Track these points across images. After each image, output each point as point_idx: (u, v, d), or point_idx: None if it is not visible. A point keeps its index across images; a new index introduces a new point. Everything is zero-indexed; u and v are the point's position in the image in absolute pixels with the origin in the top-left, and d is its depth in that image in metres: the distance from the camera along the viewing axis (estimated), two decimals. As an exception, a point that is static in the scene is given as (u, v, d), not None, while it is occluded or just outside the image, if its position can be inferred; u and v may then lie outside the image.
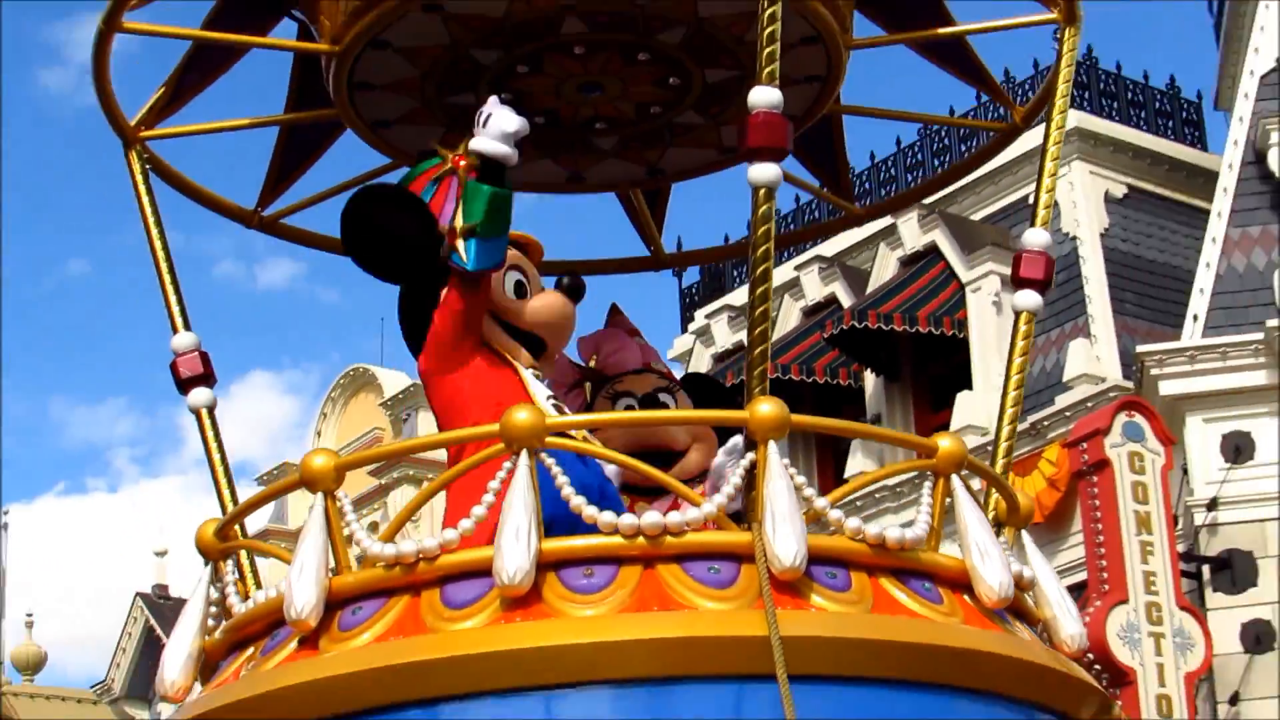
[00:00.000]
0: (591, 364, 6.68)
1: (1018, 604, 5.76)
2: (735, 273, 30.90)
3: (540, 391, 5.93)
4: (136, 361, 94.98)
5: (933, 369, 27.84)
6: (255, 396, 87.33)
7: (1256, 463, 23.37)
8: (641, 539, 5.21)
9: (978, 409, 24.89)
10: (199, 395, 6.74)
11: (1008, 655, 5.46)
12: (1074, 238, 27.69)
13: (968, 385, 26.11)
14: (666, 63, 6.87)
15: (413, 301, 6.14)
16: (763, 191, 5.50)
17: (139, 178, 6.90)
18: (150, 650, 35.69)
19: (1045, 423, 25.01)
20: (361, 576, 5.40)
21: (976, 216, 28.49)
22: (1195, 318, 24.41)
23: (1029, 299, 6.66)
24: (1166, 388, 23.80)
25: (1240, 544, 22.78)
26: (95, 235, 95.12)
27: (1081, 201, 27.73)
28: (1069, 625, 5.90)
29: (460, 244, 5.66)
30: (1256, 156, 24.96)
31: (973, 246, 27.53)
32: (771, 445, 5.32)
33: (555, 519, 5.26)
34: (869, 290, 27.58)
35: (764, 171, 5.51)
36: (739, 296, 29.73)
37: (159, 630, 35.17)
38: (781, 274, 29.44)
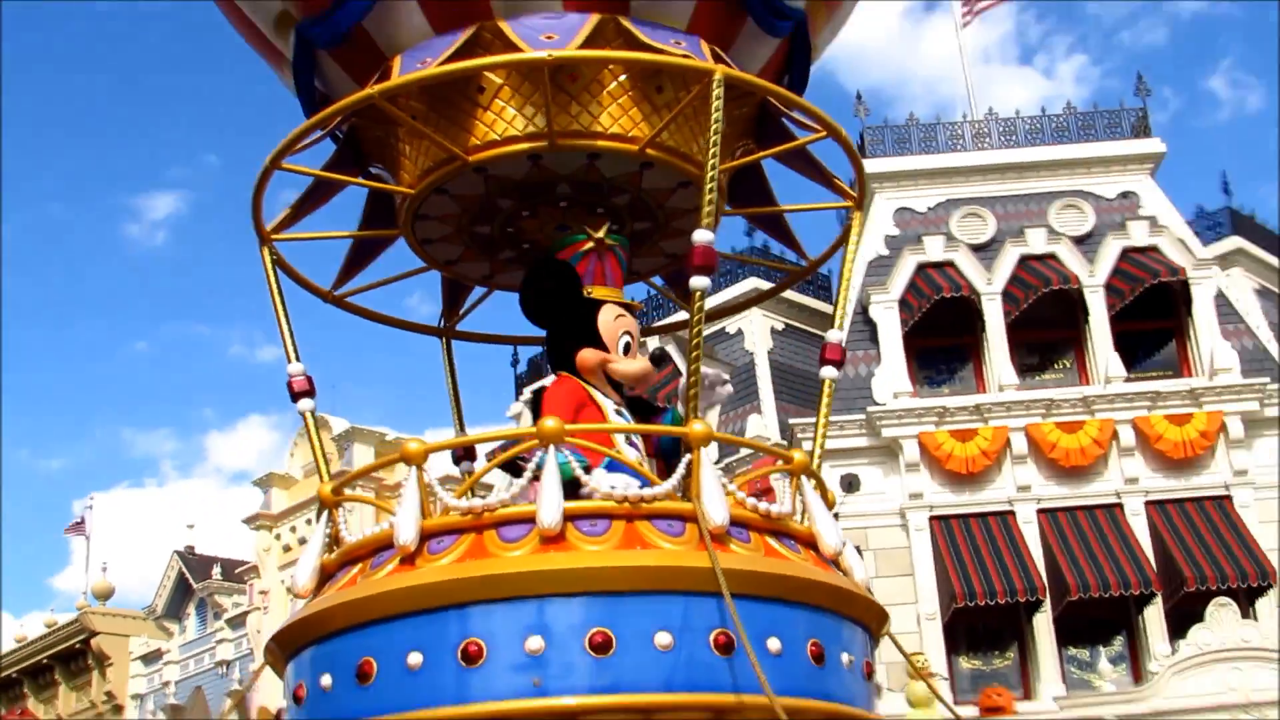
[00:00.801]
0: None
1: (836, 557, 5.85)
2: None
3: (609, 408, 5.92)
4: (179, 405, 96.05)
5: (666, 433, 27.89)
6: (252, 431, 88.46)
7: (860, 494, 24.00)
8: (627, 504, 5.22)
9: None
10: (305, 403, 6.51)
11: (837, 585, 5.57)
12: (752, 353, 28.24)
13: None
14: (612, 215, 6.70)
15: (556, 336, 6.25)
16: (699, 293, 5.58)
17: (269, 266, 6.66)
18: (181, 587, 34.52)
19: (735, 465, 25.31)
20: (444, 520, 5.33)
21: (693, 336, 28.79)
22: (826, 403, 24.97)
23: (830, 371, 6.76)
24: (806, 446, 24.21)
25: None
26: (153, 326, 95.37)
27: (757, 332, 28.38)
28: (859, 572, 5.99)
29: None
30: (863, 310, 25.70)
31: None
32: (703, 449, 5.38)
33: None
34: (627, 380, 27.56)
35: (701, 281, 5.61)
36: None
37: (187, 575, 34.03)
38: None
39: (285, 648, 5.63)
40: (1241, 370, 23.18)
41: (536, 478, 5.23)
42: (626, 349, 6.10)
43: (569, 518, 5.11)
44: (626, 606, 4.94)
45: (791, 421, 25.33)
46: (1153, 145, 26.25)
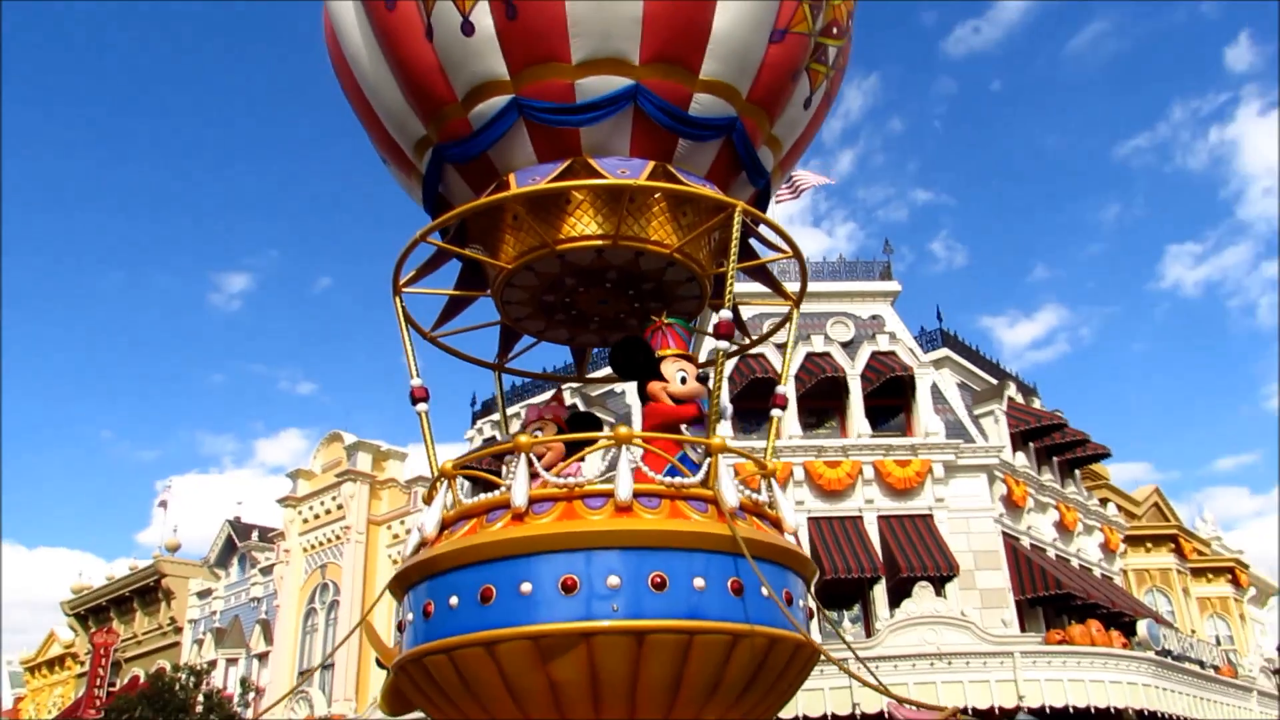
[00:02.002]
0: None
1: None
2: (494, 406, 29.03)
3: (682, 426, 5.67)
4: (239, 418, 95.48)
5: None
6: (289, 439, 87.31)
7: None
8: (672, 488, 5.07)
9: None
10: (422, 405, 6.11)
11: (797, 551, 5.46)
12: (630, 405, 27.74)
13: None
14: (639, 296, 6.58)
15: (643, 382, 5.88)
16: (723, 353, 5.51)
17: (400, 309, 6.34)
18: (229, 545, 32.72)
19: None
20: (545, 490, 5.07)
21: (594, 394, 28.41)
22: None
23: (778, 412, 6.53)
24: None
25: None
26: (226, 364, 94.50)
27: (631, 392, 27.93)
28: (803, 546, 5.89)
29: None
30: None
31: (590, 405, 27.35)
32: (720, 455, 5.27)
33: None
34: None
35: (723, 344, 5.54)
36: (497, 417, 28.16)
37: (234, 537, 32.25)
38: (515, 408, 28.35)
39: (415, 576, 5.25)
40: (945, 434, 23.87)
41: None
42: (683, 380, 5.84)
43: (637, 495, 4.94)
44: (675, 558, 4.80)
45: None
46: (893, 285, 27.07)
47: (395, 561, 27.00)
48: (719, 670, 4.74)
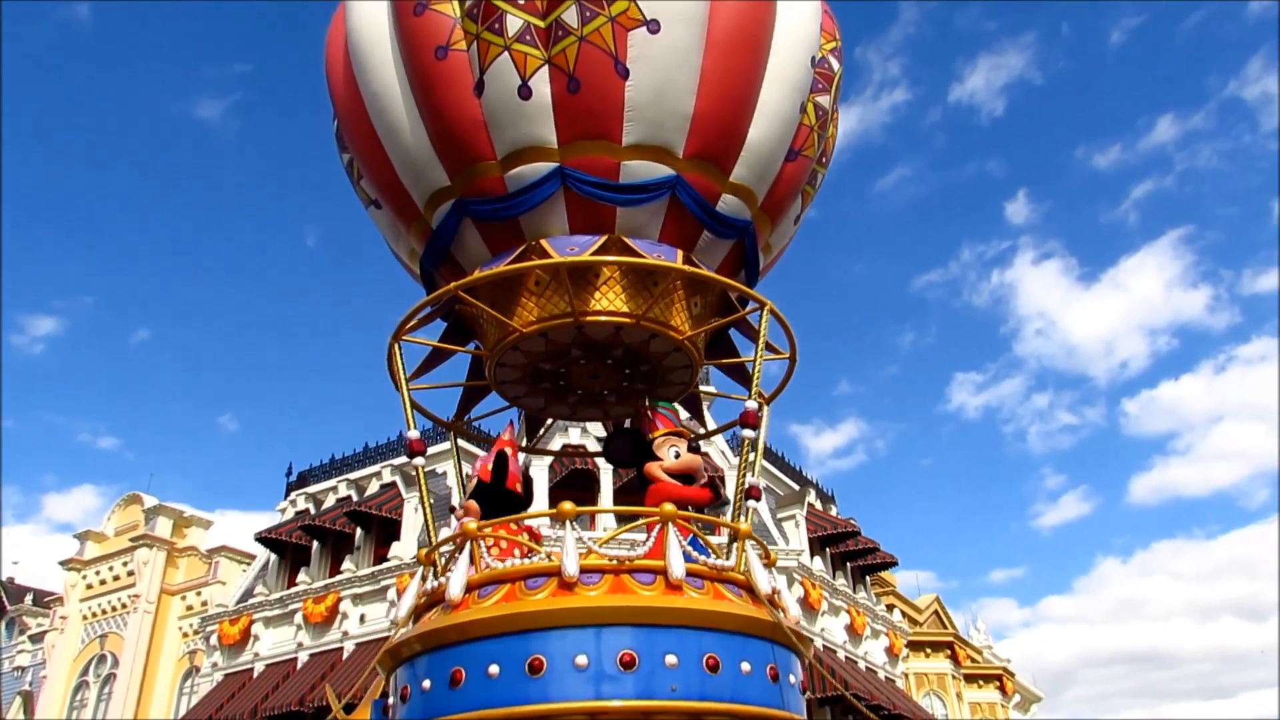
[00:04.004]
0: None
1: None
2: (311, 478, 26.16)
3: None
4: (28, 470, 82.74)
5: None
6: (82, 498, 76.24)
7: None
8: (712, 570, 5.02)
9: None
10: (419, 459, 5.82)
11: (795, 629, 5.38)
12: (450, 487, 26.66)
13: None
14: (632, 376, 6.51)
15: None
16: (748, 441, 5.58)
17: (397, 356, 6.03)
18: None
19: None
20: (594, 562, 4.88)
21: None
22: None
23: (753, 503, 6.58)
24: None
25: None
26: (21, 411, 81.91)
27: (452, 474, 26.90)
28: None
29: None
30: (525, 469, 25.07)
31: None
32: (749, 541, 5.29)
33: None
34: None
35: (749, 432, 5.63)
36: (312, 489, 25.66)
37: (4, 599, 27.38)
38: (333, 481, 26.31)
39: (422, 645, 4.83)
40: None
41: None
42: (676, 455, 5.86)
43: (686, 575, 4.85)
44: (724, 641, 4.73)
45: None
46: (710, 389, 27.89)
47: (187, 635, 23.96)
48: (754, 756, 4.67)
